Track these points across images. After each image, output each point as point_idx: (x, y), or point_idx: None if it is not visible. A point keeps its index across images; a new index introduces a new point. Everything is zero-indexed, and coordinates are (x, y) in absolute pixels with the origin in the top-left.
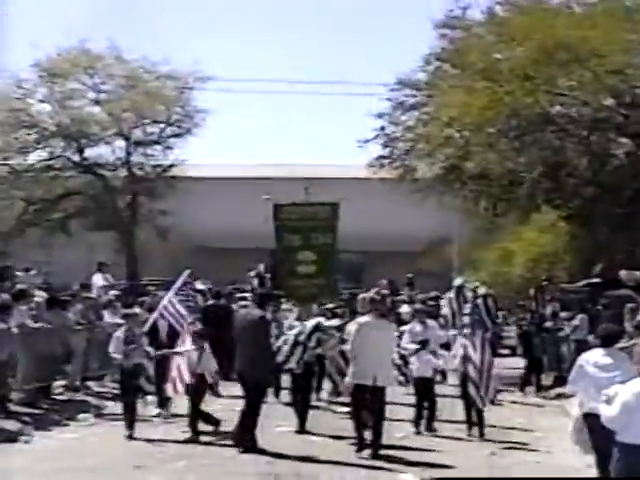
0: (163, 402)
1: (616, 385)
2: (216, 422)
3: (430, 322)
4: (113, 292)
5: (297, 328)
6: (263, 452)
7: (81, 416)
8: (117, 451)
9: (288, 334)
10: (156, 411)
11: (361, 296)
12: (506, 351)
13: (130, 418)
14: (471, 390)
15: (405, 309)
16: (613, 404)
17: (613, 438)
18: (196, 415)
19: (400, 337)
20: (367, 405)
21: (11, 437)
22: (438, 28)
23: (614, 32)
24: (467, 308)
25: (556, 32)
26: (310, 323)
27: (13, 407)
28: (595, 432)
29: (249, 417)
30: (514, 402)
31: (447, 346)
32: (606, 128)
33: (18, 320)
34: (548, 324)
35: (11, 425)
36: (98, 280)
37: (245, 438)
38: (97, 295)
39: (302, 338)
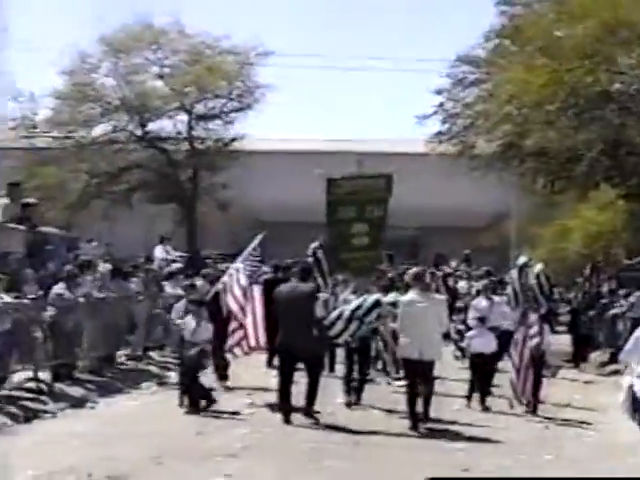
0: (220, 375)
1: None
2: (210, 400)
3: (496, 298)
4: (176, 265)
5: (355, 303)
6: (319, 424)
7: (144, 384)
8: (179, 418)
9: (344, 308)
10: (214, 384)
11: (410, 271)
12: (562, 328)
13: (189, 389)
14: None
15: (462, 285)
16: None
17: None
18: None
19: (457, 312)
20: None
21: (77, 403)
22: (498, 5)
23: None
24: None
25: (618, 10)
26: (371, 298)
27: (79, 374)
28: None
29: (312, 389)
30: (570, 379)
31: None
32: None
33: (84, 290)
34: (604, 301)
35: (77, 392)
36: (159, 252)
37: (307, 410)
38: (158, 267)
39: (359, 313)
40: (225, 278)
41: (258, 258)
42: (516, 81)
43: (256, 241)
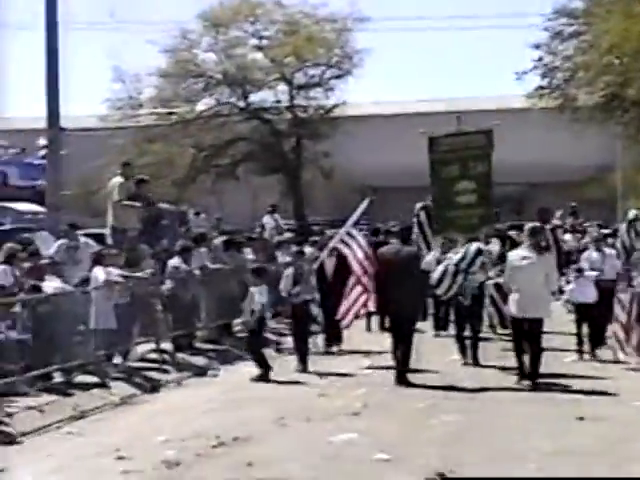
0: (331, 339)
1: None
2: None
3: (608, 250)
4: (288, 234)
5: (458, 255)
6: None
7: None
8: (299, 382)
9: (448, 263)
10: (323, 348)
11: (526, 226)
12: None
13: (302, 353)
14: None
15: (568, 238)
16: None
17: None
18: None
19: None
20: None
21: (200, 372)
22: None
23: None
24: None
25: None
26: (473, 247)
27: (199, 344)
28: None
29: (406, 350)
30: None
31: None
32: None
33: (199, 262)
34: None
35: (198, 361)
36: (269, 221)
37: (402, 372)
38: (269, 236)
39: (463, 265)
40: (336, 244)
41: (367, 222)
42: (616, 30)
43: (363, 205)
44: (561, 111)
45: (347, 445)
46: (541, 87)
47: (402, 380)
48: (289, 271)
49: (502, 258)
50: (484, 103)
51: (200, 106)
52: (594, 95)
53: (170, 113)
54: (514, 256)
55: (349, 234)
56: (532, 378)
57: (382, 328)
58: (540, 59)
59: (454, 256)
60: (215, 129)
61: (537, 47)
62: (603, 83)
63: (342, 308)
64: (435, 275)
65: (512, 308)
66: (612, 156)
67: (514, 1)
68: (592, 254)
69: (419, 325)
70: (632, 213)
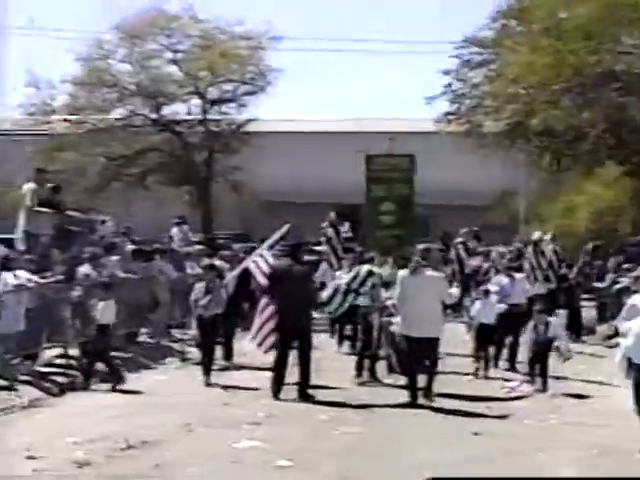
0: (230, 354)
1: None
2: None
3: (517, 275)
4: (199, 247)
5: (350, 275)
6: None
7: (167, 360)
8: (204, 391)
9: (340, 282)
10: (223, 363)
11: (419, 246)
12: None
13: (208, 366)
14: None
15: (474, 263)
16: (629, 336)
17: None
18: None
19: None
20: (418, 356)
21: (107, 378)
22: None
23: None
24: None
25: None
26: (364, 269)
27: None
28: None
29: (306, 365)
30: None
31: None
32: None
33: (109, 271)
34: (610, 276)
35: (104, 367)
36: (177, 233)
37: (304, 389)
38: (177, 247)
39: (355, 285)
40: (248, 263)
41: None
42: (521, 62)
43: (282, 231)
44: (468, 136)
45: (250, 451)
46: (449, 113)
47: (303, 395)
48: (200, 284)
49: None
50: (390, 124)
51: (113, 116)
52: (499, 123)
53: (82, 122)
54: (405, 275)
55: (262, 256)
56: (427, 395)
57: None
58: (449, 85)
59: (345, 276)
60: (127, 139)
61: (447, 73)
62: (509, 112)
63: (254, 327)
64: (325, 293)
65: (403, 327)
66: (516, 182)
67: (427, 28)
68: (502, 279)
69: (324, 341)
70: (536, 235)
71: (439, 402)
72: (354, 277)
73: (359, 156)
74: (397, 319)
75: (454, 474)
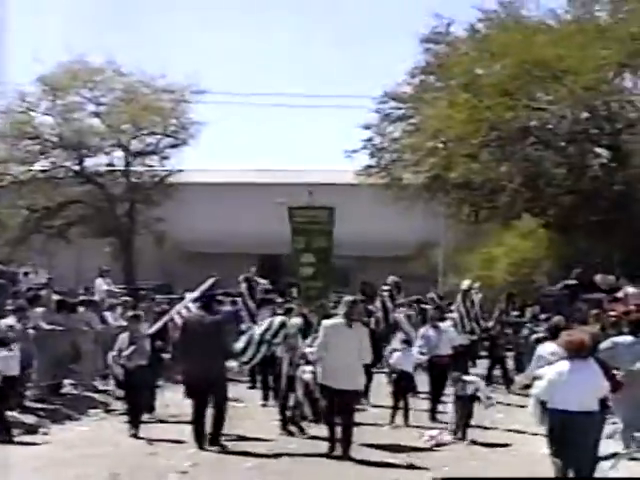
0: (153, 406)
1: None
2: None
3: (443, 325)
4: (124, 298)
5: (263, 326)
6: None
7: (92, 411)
8: (129, 441)
9: (253, 332)
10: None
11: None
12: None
13: (135, 417)
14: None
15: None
16: (542, 381)
17: None
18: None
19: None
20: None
21: (31, 429)
22: (423, 43)
23: (587, 50)
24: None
25: (533, 50)
26: (277, 320)
27: (28, 403)
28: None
29: (217, 419)
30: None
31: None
32: (582, 140)
33: (34, 322)
34: (528, 326)
35: (29, 419)
36: (101, 284)
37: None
38: (100, 299)
39: (268, 336)
40: (173, 315)
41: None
42: (440, 117)
43: (207, 284)
44: (388, 189)
45: None
46: (369, 166)
47: (215, 443)
48: (124, 335)
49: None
50: (313, 176)
51: (35, 167)
52: (419, 175)
53: (4, 174)
54: (327, 326)
55: (187, 308)
56: (346, 447)
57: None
58: (369, 139)
59: (257, 327)
60: (49, 191)
61: (367, 128)
62: (428, 165)
63: None
64: (239, 344)
65: (324, 378)
66: (436, 233)
67: (349, 83)
68: (428, 331)
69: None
70: (465, 284)
71: (360, 452)
72: (267, 328)
73: (281, 207)
74: (310, 367)
75: None
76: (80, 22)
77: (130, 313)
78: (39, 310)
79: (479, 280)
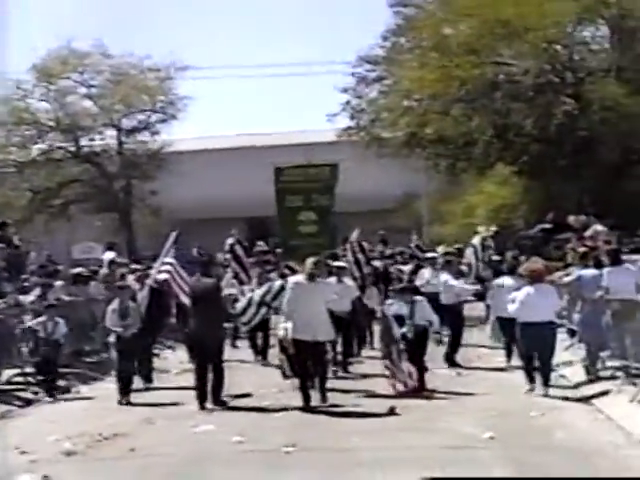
0: (149, 375)
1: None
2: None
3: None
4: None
5: (263, 288)
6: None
7: (112, 372)
8: (155, 394)
9: (253, 294)
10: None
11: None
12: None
13: (127, 386)
14: None
15: (377, 264)
16: (515, 302)
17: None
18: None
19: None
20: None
21: (64, 390)
22: (392, 6)
23: (545, 6)
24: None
25: (496, 9)
26: (277, 284)
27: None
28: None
29: (217, 379)
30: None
31: None
32: (547, 91)
33: (56, 294)
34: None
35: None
36: (110, 256)
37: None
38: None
39: (268, 298)
40: (157, 276)
41: (178, 252)
42: (412, 77)
43: (171, 239)
44: (368, 147)
45: (208, 433)
46: (349, 127)
47: (218, 401)
48: (114, 304)
49: None
50: (295, 137)
51: (34, 151)
52: (397, 134)
53: (5, 159)
54: (292, 283)
55: (173, 267)
56: (323, 396)
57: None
58: (348, 102)
59: (258, 290)
60: (49, 172)
61: (345, 91)
62: (404, 124)
63: None
64: (239, 305)
65: (295, 332)
66: (417, 186)
67: (324, 48)
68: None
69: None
70: (482, 229)
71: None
72: (267, 291)
73: (269, 169)
74: (283, 325)
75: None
76: (65, 6)
77: (118, 283)
78: (59, 283)
79: (461, 228)
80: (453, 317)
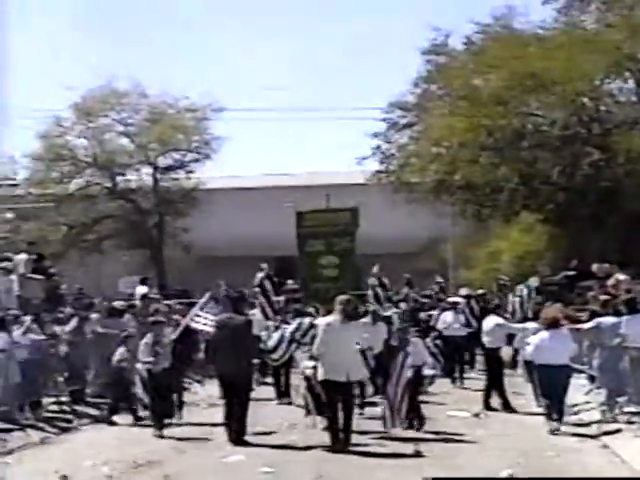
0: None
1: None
2: None
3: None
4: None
5: (293, 325)
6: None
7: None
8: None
9: (284, 331)
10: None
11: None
12: None
13: (160, 419)
14: None
15: (403, 306)
16: (530, 346)
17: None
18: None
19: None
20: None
21: (97, 419)
22: (424, 54)
23: (574, 60)
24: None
25: (525, 62)
26: (307, 321)
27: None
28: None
29: (241, 415)
30: None
31: None
32: (573, 141)
33: (91, 327)
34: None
35: (91, 410)
36: (142, 291)
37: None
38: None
39: (298, 335)
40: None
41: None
42: (442, 125)
43: (203, 299)
44: (397, 192)
45: (237, 463)
46: (379, 171)
47: (240, 442)
48: (147, 339)
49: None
50: (324, 178)
51: (71, 187)
52: (425, 179)
53: (44, 194)
54: (322, 324)
55: (198, 315)
56: (347, 438)
57: None
58: (378, 147)
59: (288, 327)
60: (84, 208)
61: (376, 136)
62: (433, 170)
63: None
64: (271, 342)
65: (326, 373)
66: (443, 230)
67: (356, 94)
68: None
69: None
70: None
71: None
72: (297, 328)
73: (291, 209)
74: (311, 363)
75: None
76: (104, 46)
77: (152, 319)
78: (94, 316)
79: (486, 273)
80: (492, 361)
